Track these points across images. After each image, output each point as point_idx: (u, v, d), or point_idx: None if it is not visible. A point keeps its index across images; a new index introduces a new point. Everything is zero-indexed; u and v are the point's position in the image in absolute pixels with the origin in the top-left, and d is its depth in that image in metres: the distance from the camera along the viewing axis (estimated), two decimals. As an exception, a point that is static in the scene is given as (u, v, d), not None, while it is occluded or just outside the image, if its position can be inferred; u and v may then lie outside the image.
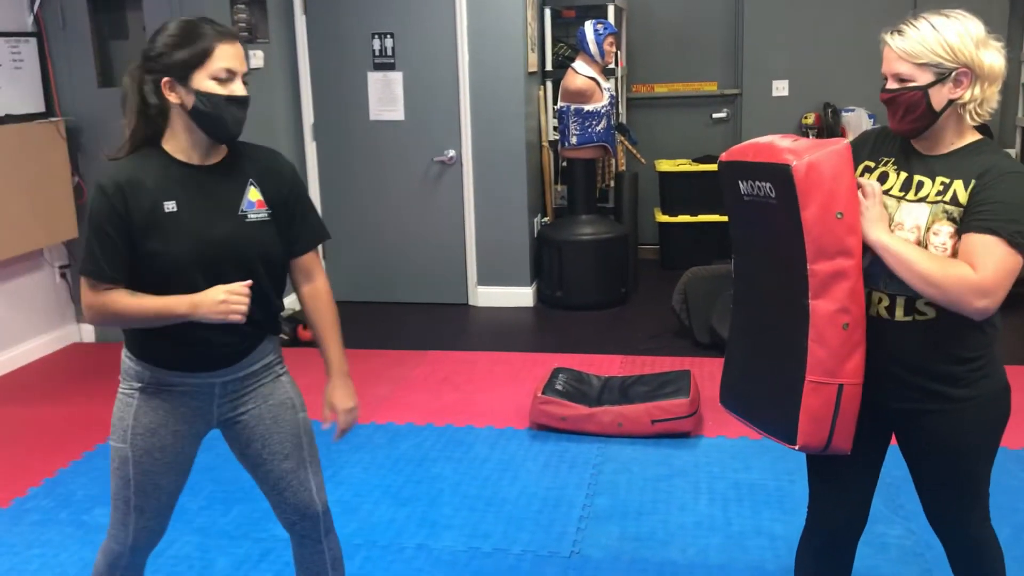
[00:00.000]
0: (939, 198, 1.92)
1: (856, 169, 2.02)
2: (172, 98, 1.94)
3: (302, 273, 2.17)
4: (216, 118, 1.94)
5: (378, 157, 5.74)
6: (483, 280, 5.81)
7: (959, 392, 1.97)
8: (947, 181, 1.93)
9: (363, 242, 5.88)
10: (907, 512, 3.06)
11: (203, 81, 1.91)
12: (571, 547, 2.96)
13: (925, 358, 1.97)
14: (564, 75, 5.62)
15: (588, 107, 5.50)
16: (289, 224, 2.10)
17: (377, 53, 5.60)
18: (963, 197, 1.90)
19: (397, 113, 5.65)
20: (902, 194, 1.97)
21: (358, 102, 5.68)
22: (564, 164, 5.91)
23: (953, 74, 1.90)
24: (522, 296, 5.78)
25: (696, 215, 6.54)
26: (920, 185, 1.96)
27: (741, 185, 2.01)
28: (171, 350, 2.02)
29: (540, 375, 4.18)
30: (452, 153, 5.64)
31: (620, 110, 6.68)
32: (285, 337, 5.18)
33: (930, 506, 2.13)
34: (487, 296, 5.81)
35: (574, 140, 5.57)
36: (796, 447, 1.95)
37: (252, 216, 2.02)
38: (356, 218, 5.85)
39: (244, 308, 1.93)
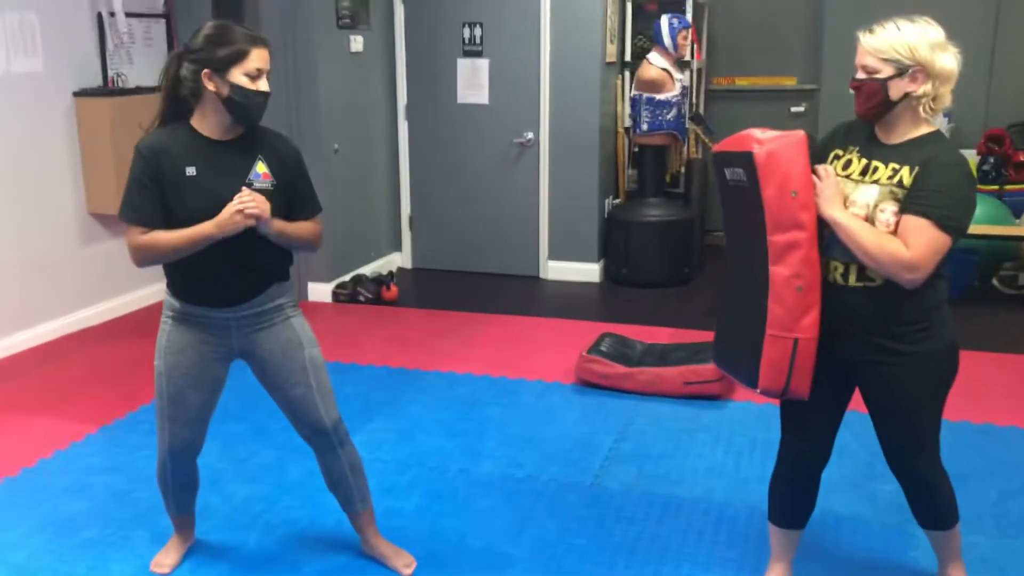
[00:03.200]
0: (889, 181, 2.26)
1: (827, 156, 2.40)
2: (210, 86, 2.37)
3: None
4: (245, 107, 2.38)
5: (463, 137, 6.21)
6: (554, 255, 6.23)
7: (904, 348, 2.31)
8: (897, 167, 2.25)
9: (446, 215, 6.37)
10: (903, 472, 3.35)
11: (238, 76, 2.35)
12: (592, 479, 3.37)
13: (874, 318, 2.31)
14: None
15: (660, 96, 5.84)
16: (289, 196, 2.54)
17: (467, 41, 6.07)
18: (907, 181, 2.22)
19: (482, 97, 6.11)
20: (861, 177, 2.31)
21: (447, 86, 6.17)
22: (636, 150, 6.26)
23: (910, 71, 2.23)
24: (589, 271, 6.18)
25: (766, 205, 6.78)
26: (875, 169, 2.29)
27: (727, 172, 2.37)
28: (197, 289, 2.50)
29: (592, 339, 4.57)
30: (531, 136, 6.06)
31: (698, 101, 6.98)
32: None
33: (884, 449, 2.47)
34: (557, 270, 6.23)
35: (645, 127, 5.92)
36: (757, 390, 2.33)
37: (257, 184, 2.47)
38: (440, 193, 6.35)
39: (255, 206, 2.34)
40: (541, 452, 3.60)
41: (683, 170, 6.44)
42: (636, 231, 5.99)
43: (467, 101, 6.15)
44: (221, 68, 2.35)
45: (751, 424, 3.85)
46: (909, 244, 2.18)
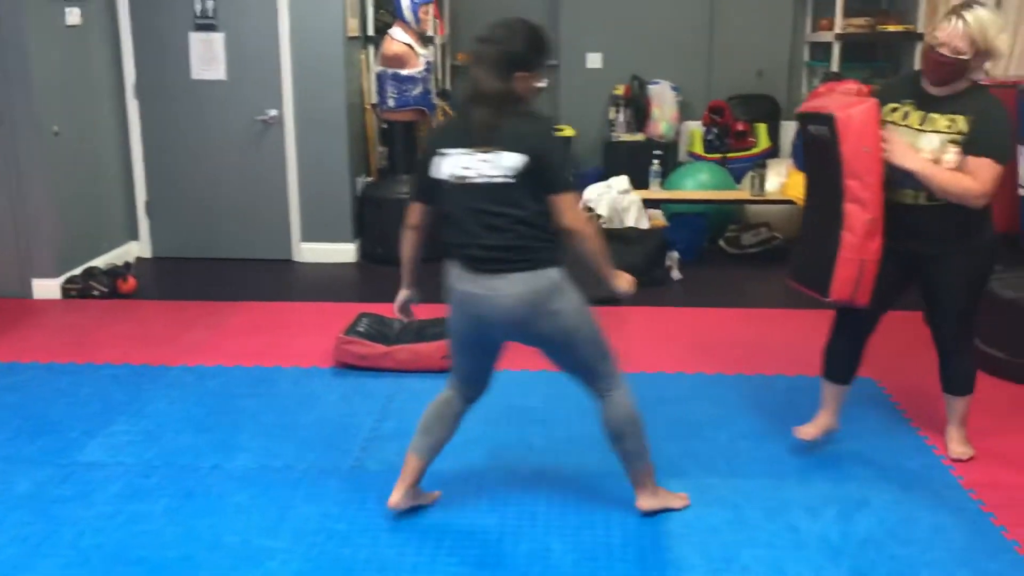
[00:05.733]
0: (948, 130, 2.90)
1: (885, 107, 2.97)
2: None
3: None
4: None
5: (200, 116, 5.89)
6: (306, 236, 6.06)
7: (959, 242, 3.01)
8: (953, 117, 2.90)
9: (186, 199, 6.03)
10: (648, 426, 3.57)
11: None
12: (353, 462, 3.32)
13: (939, 225, 2.99)
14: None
15: (405, 72, 5.81)
16: None
17: (198, 14, 5.74)
18: (964, 127, 2.88)
19: (219, 73, 5.81)
20: (920, 126, 2.94)
21: (179, 61, 5.81)
22: (385, 126, 6.20)
23: (983, 52, 2.87)
24: (345, 252, 6.07)
25: (515, 178, 6.96)
26: (932, 120, 2.94)
27: (811, 128, 3.02)
28: None
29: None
30: (274, 113, 5.85)
31: (444, 77, 7.03)
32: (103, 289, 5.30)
33: (933, 320, 3.24)
34: (311, 252, 6.07)
35: (392, 103, 5.88)
36: (828, 300, 2.98)
37: None
38: (179, 176, 6.00)
39: None
40: (299, 440, 3.50)
41: (433, 146, 6.45)
42: (389, 209, 5.93)
43: (202, 77, 5.83)
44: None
45: (507, 391, 3.89)
46: (977, 178, 2.83)
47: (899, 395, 3.85)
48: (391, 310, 4.83)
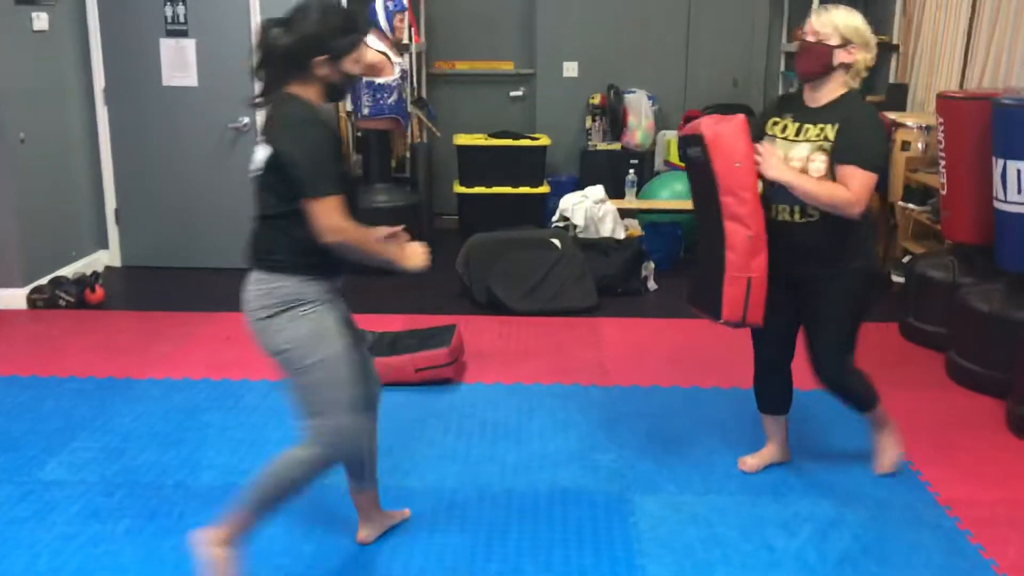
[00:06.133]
0: (817, 138, 2.89)
1: (767, 122, 3.03)
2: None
3: None
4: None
5: (172, 123, 5.80)
6: (279, 246, 5.97)
7: (837, 265, 2.95)
8: (823, 126, 2.88)
9: (157, 207, 5.93)
10: (622, 441, 3.53)
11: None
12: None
13: (816, 243, 2.93)
14: (357, 48, 5.83)
15: (379, 80, 5.74)
16: None
17: (169, 20, 5.65)
18: (831, 135, 2.86)
19: (190, 79, 5.72)
20: (795, 137, 2.93)
21: (151, 68, 5.72)
22: (359, 135, 6.14)
23: (849, 46, 2.87)
24: (318, 261, 5.98)
25: (491, 187, 6.88)
26: (806, 130, 2.92)
27: (688, 151, 2.99)
28: (329, 265, 2.46)
29: (319, 332, 4.42)
30: (246, 120, 5.77)
31: (419, 85, 6.97)
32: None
33: (811, 350, 3.09)
34: (283, 261, 5.98)
35: (366, 111, 5.81)
36: (721, 322, 2.90)
37: None
38: (150, 184, 5.90)
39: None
40: (267, 456, 3.36)
41: (408, 155, 6.41)
42: (363, 218, 5.74)
43: (173, 84, 5.74)
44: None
45: (480, 405, 3.88)
46: (848, 187, 2.80)
47: (875, 409, 3.83)
48: (367, 320, 4.78)
